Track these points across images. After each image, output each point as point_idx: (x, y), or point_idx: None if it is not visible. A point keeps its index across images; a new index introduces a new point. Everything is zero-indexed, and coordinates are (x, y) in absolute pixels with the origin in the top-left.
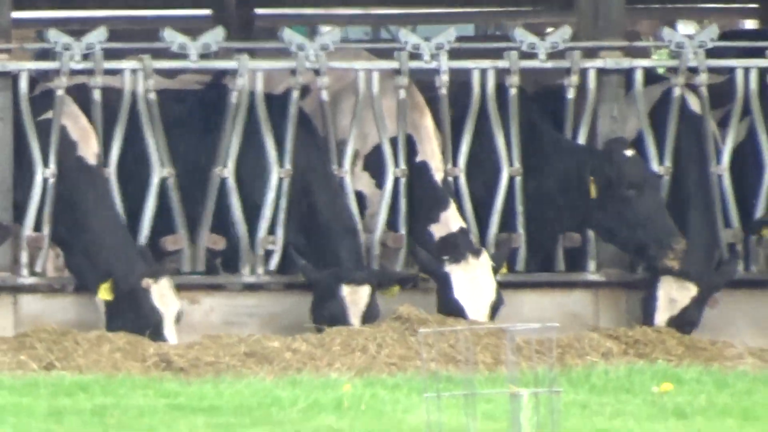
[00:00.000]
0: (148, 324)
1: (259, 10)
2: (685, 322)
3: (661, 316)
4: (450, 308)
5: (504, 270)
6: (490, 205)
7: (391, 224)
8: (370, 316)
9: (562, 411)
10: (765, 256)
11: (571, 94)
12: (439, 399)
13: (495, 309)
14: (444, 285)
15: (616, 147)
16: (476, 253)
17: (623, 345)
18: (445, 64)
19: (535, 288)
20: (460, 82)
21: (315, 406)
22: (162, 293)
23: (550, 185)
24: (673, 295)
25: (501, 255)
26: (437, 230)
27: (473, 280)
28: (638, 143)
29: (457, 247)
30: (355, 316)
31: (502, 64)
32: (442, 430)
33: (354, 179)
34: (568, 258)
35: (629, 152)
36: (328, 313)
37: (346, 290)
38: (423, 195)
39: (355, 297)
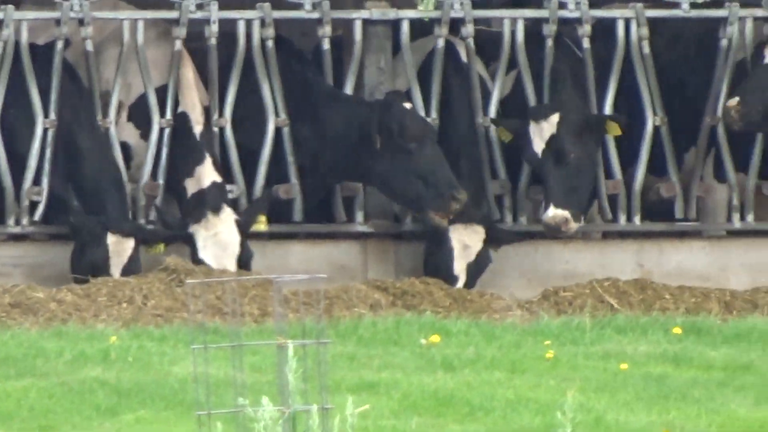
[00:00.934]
0: None
1: None
2: (481, 266)
3: (459, 265)
4: (196, 264)
5: (262, 223)
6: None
7: (155, 174)
8: (130, 269)
9: (329, 363)
10: (533, 208)
11: (326, 45)
12: (206, 351)
13: (244, 263)
14: (191, 245)
15: (394, 99)
16: (216, 210)
17: (391, 296)
18: (215, 14)
19: (303, 239)
20: (225, 32)
21: (81, 357)
22: None
23: (327, 137)
24: (466, 241)
25: (254, 208)
26: (191, 185)
27: (215, 237)
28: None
29: (201, 205)
30: (116, 266)
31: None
32: (208, 381)
33: (119, 130)
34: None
35: (408, 105)
36: (89, 261)
37: (111, 239)
38: (181, 147)
39: (120, 248)
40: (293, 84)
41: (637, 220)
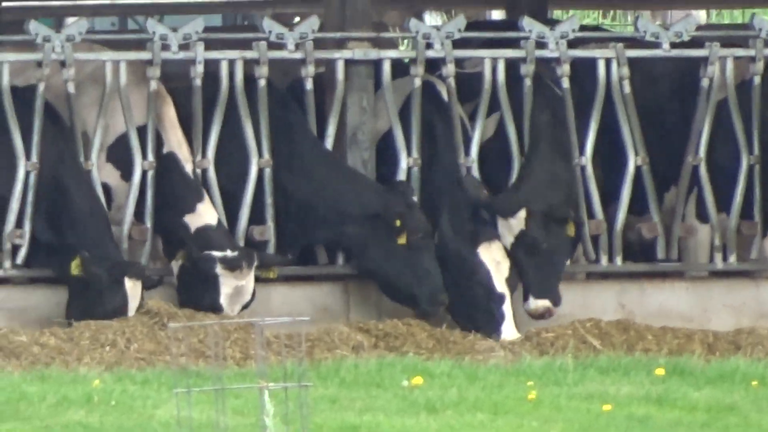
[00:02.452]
0: None
1: (6, 3)
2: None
3: (500, 282)
4: (205, 308)
5: (273, 272)
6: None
7: (138, 216)
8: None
9: (311, 405)
10: None
11: (309, 84)
12: (189, 394)
13: (245, 308)
14: (210, 287)
15: (408, 192)
16: (250, 264)
17: (373, 338)
18: (201, 54)
19: (285, 281)
20: (208, 72)
21: (64, 401)
22: None
23: (330, 209)
24: (496, 257)
25: (275, 260)
26: (192, 221)
27: (242, 289)
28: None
29: (236, 255)
30: (132, 310)
31: (250, 54)
32: (192, 425)
33: (98, 171)
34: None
35: (415, 198)
36: (110, 307)
37: (128, 284)
38: (174, 186)
39: (135, 292)
40: (281, 130)
41: (618, 260)
